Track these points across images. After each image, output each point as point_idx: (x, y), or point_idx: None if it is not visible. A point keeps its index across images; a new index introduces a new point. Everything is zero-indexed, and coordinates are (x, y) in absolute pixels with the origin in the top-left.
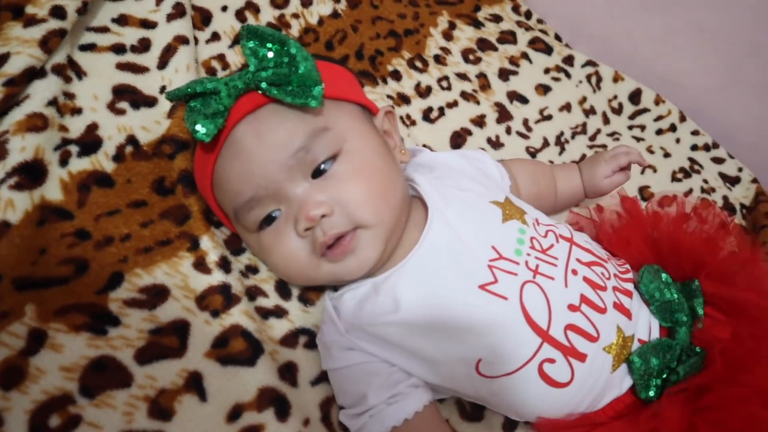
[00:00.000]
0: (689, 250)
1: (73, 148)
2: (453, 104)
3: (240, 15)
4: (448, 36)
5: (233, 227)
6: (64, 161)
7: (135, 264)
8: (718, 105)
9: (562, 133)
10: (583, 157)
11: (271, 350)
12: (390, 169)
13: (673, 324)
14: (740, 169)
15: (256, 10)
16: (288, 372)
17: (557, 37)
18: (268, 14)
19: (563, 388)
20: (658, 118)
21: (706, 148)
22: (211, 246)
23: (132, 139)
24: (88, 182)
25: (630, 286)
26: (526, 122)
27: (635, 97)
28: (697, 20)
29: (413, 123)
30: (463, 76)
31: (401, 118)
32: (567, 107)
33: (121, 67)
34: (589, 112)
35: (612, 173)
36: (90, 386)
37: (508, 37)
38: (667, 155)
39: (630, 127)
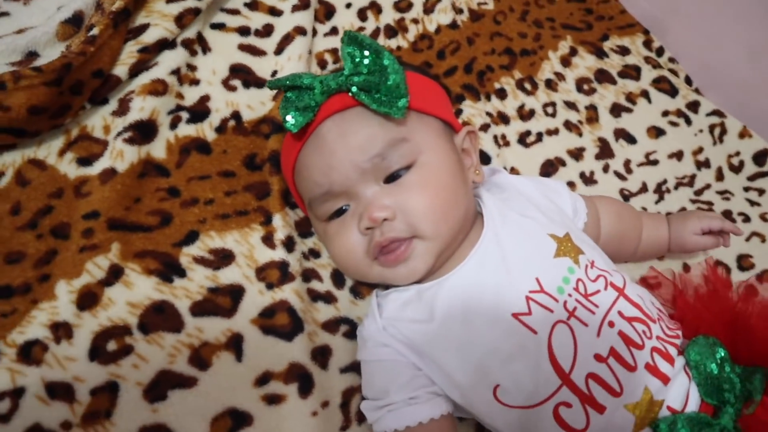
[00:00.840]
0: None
1: (184, 115)
2: (553, 132)
3: (362, 13)
4: (565, 62)
5: (304, 210)
6: (173, 125)
7: (211, 227)
8: None
9: (665, 181)
10: (681, 210)
11: (311, 331)
12: (458, 186)
13: (720, 403)
14: None
15: (378, 10)
16: (321, 355)
17: (687, 80)
18: (388, 16)
19: None
20: None
21: None
22: (281, 224)
23: (236, 115)
24: (190, 147)
25: (674, 351)
26: (627, 163)
27: (761, 157)
28: None
29: (506, 144)
30: (571, 105)
31: (495, 137)
32: (678, 155)
33: (243, 48)
34: (703, 164)
35: (701, 232)
36: (147, 324)
37: (630, 72)
38: None
39: (746, 189)
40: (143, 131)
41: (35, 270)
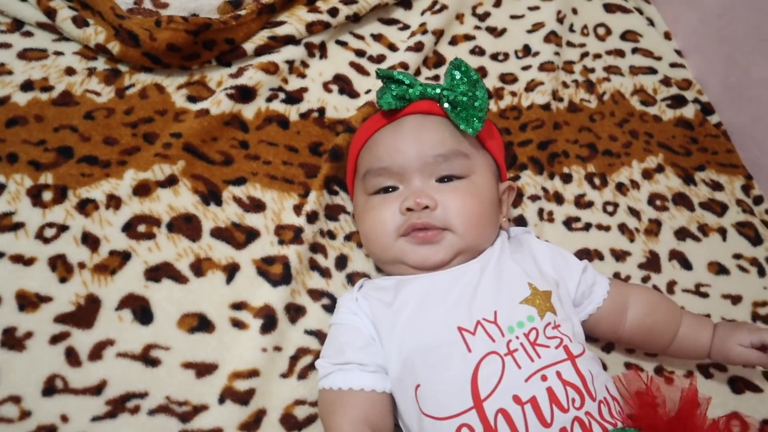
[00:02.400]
0: None
1: (281, 95)
2: (604, 228)
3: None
4: (647, 174)
5: (351, 190)
6: (270, 99)
7: (258, 180)
8: None
9: (708, 316)
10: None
11: (295, 289)
12: (491, 215)
13: None
14: None
15: (483, 74)
16: (295, 311)
17: None
18: (490, 82)
19: None
20: None
21: None
22: (313, 200)
23: (321, 110)
24: (273, 118)
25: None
26: (672, 284)
27: None
28: None
29: (550, 221)
30: (635, 212)
31: (541, 210)
32: (735, 299)
33: (353, 65)
34: (761, 319)
35: (750, 345)
36: (174, 225)
37: (715, 207)
38: None
39: None
40: (243, 93)
41: (119, 155)
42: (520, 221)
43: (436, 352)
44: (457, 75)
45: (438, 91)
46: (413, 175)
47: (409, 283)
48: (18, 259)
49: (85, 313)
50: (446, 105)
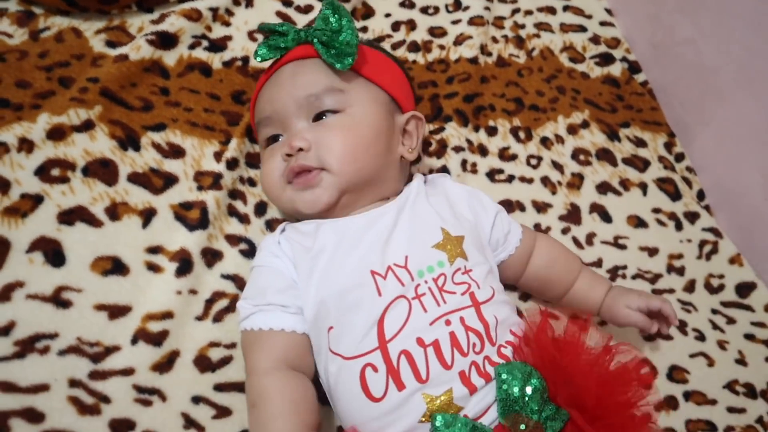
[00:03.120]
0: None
1: (204, 42)
2: (527, 180)
3: (396, 25)
4: (572, 129)
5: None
6: (192, 47)
7: (179, 128)
8: None
9: (624, 266)
10: None
11: (211, 234)
12: (376, 144)
13: (512, 427)
14: None
15: (411, 27)
16: (211, 256)
17: (700, 194)
18: (419, 35)
19: (372, 402)
20: (759, 324)
21: None
22: (234, 147)
23: (245, 59)
24: (195, 66)
25: (493, 372)
26: (591, 236)
27: (744, 289)
28: None
29: (473, 172)
30: (558, 166)
31: (464, 162)
32: (651, 251)
33: (279, 14)
34: (675, 270)
35: (637, 309)
36: (90, 169)
37: (637, 163)
38: (740, 362)
39: (714, 311)
40: (165, 40)
41: (32, 99)
42: (443, 171)
43: (350, 295)
44: (330, 16)
45: (310, 31)
46: (291, 120)
47: (326, 226)
48: None
49: None
50: (318, 45)
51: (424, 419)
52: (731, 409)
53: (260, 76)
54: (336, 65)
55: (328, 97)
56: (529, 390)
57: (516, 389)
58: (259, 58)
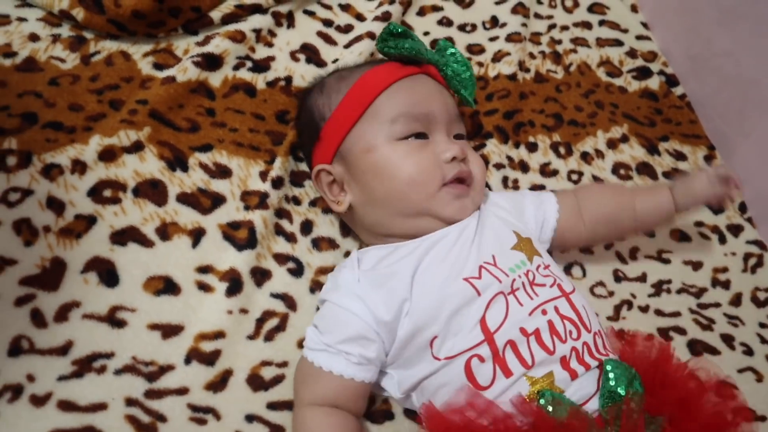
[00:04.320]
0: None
1: (248, 63)
2: None
3: (433, 44)
4: (612, 144)
5: (340, 138)
6: (237, 67)
7: (225, 147)
8: None
9: (669, 281)
10: (676, 315)
11: (261, 253)
12: None
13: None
14: None
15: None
16: (260, 275)
17: (742, 206)
18: None
19: (479, 390)
20: None
21: None
22: (279, 166)
23: (288, 79)
24: (240, 86)
25: (593, 363)
26: (634, 251)
27: None
28: None
29: (515, 188)
30: (598, 181)
31: (506, 178)
32: (695, 265)
33: (320, 34)
34: (720, 284)
35: (708, 182)
36: (140, 190)
37: (677, 176)
38: None
39: (762, 325)
40: (210, 61)
41: (84, 121)
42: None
43: (450, 303)
44: (449, 51)
45: (442, 61)
46: (441, 126)
47: (411, 246)
48: None
49: (51, 276)
50: (450, 72)
51: (528, 398)
52: None
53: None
54: (470, 102)
55: (461, 122)
56: (632, 393)
57: (622, 389)
58: (406, 52)
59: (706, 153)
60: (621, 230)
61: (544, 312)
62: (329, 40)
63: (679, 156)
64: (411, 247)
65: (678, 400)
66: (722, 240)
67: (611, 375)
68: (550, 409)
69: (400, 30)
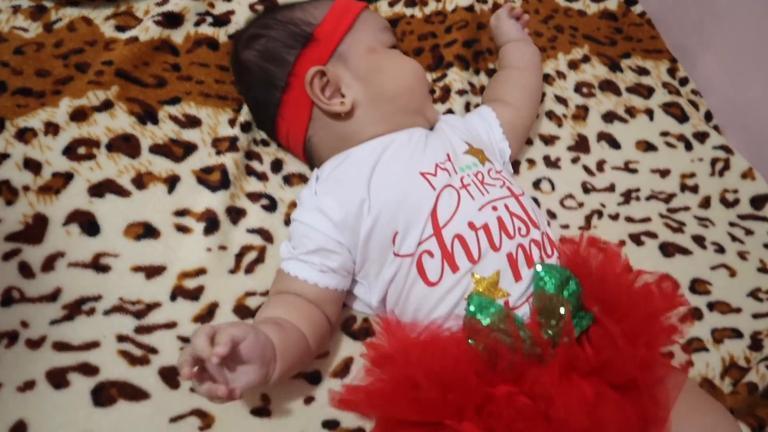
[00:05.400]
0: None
1: (209, 18)
2: None
3: None
4: (573, 65)
5: (325, 54)
6: (197, 24)
7: (192, 99)
8: None
9: (638, 189)
10: (646, 220)
11: (233, 193)
12: None
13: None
14: None
15: None
16: (235, 213)
17: (708, 115)
18: None
19: (429, 287)
20: None
21: None
22: (246, 112)
23: None
24: (203, 41)
25: (541, 257)
26: (601, 163)
27: (759, 201)
28: None
29: None
30: (561, 100)
31: (468, 104)
32: (663, 173)
33: None
34: (689, 188)
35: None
36: (113, 145)
37: (642, 90)
38: (762, 270)
39: (732, 224)
40: (171, 20)
41: (53, 85)
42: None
43: (407, 197)
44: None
45: None
46: None
47: (358, 153)
48: None
49: (34, 231)
50: None
51: (466, 298)
52: (756, 315)
53: None
54: None
55: None
56: (566, 293)
57: (551, 286)
58: None
59: (668, 66)
60: (536, 92)
61: (494, 208)
62: None
63: (642, 71)
64: (366, 150)
65: (615, 296)
66: (688, 147)
67: (541, 274)
68: (479, 316)
69: None
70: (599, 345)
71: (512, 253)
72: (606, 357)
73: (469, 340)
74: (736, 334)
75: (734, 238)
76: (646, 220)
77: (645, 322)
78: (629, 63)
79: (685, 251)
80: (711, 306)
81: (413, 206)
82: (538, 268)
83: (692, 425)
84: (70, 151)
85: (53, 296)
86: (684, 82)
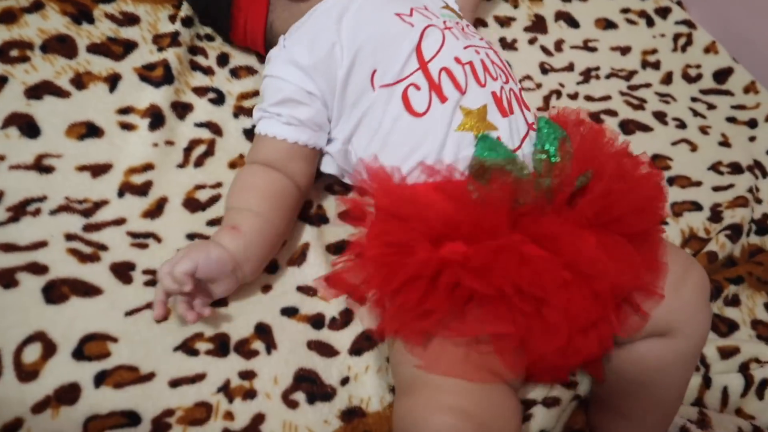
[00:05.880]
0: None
1: None
2: None
3: None
4: None
5: None
6: None
7: None
8: None
9: (597, 68)
10: (606, 98)
11: (178, 88)
12: None
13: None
14: None
15: None
16: (181, 108)
17: None
18: None
19: (416, 117)
20: (739, 107)
21: None
22: (186, 7)
23: None
24: None
25: (519, 110)
26: (559, 43)
27: (722, 75)
28: None
29: None
30: None
31: None
32: (624, 50)
33: None
34: (650, 65)
35: None
36: (48, 46)
37: None
38: (724, 144)
39: (694, 99)
40: None
41: None
42: None
43: (384, 37)
44: None
45: None
46: None
47: (323, 6)
48: None
49: None
50: None
51: (459, 129)
52: (717, 188)
53: None
54: None
55: None
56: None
57: (554, 148)
58: None
59: None
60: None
61: (477, 51)
62: None
63: None
64: (330, 2)
65: (604, 162)
66: (650, 23)
67: (545, 131)
68: (486, 154)
69: None
70: (596, 198)
71: (496, 92)
72: (605, 203)
73: (469, 186)
74: (696, 206)
75: (696, 113)
76: (606, 98)
77: (636, 183)
78: None
79: (645, 128)
80: (671, 181)
81: (392, 42)
82: (542, 122)
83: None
84: (1, 54)
85: None
86: None
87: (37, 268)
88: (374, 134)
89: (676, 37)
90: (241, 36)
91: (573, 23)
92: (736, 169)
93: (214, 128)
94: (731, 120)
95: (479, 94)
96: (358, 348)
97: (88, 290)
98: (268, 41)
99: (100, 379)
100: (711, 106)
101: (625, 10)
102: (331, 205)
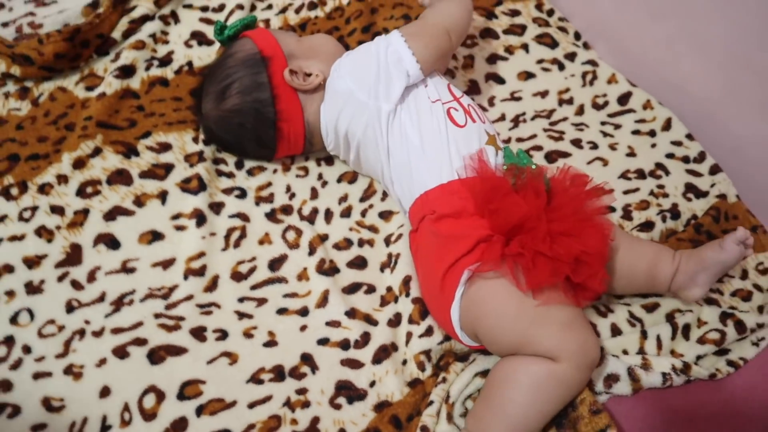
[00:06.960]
0: None
1: (155, 62)
2: None
3: None
4: None
5: (282, 61)
6: (147, 68)
7: (160, 129)
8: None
9: (523, 114)
10: (533, 137)
11: (212, 192)
12: None
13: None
14: (713, 185)
15: None
16: (216, 207)
17: (577, 35)
18: None
19: (458, 128)
20: (640, 121)
21: (686, 160)
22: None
23: (189, 63)
24: (155, 82)
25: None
26: (492, 99)
27: (624, 98)
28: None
29: None
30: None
31: None
32: (543, 94)
33: (202, 20)
34: (565, 102)
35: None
36: (111, 180)
37: (516, 30)
38: (630, 155)
39: (603, 123)
40: (126, 71)
41: (53, 147)
42: None
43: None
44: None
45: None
46: None
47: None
48: (14, 238)
49: (74, 256)
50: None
51: (487, 144)
52: (626, 191)
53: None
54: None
55: None
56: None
57: (527, 159)
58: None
59: (535, 3)
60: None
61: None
62: (210, 21)
63: (514, 13)
64: None
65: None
66: (561, 68)
67: (514, 151)
68: (515, 160)
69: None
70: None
71: (488, 131)
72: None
73: (511, 180)
74: (610, 209)
75: (605, 134)
76: (533, 136)
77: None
78: (502, 9)
79: (565, 154)
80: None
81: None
82: (506, 149)
83: (644, 251)
84: (81, 193)
85: (101, 298)
86: (551, 13)
87: (140, 341)
88: (436, 133)
89: (584, 74)
90: (285, 147)
91: (500, 80)
92: (640, 174)
93: (243, 217)
94: (636, 132)
95: (487, 127)
96: (378, 358)
97: (178, 351)
98: (308, 135)
99: (200, 411)
100: (617, 126)
101: (540, 61)
102: (341, 258)
